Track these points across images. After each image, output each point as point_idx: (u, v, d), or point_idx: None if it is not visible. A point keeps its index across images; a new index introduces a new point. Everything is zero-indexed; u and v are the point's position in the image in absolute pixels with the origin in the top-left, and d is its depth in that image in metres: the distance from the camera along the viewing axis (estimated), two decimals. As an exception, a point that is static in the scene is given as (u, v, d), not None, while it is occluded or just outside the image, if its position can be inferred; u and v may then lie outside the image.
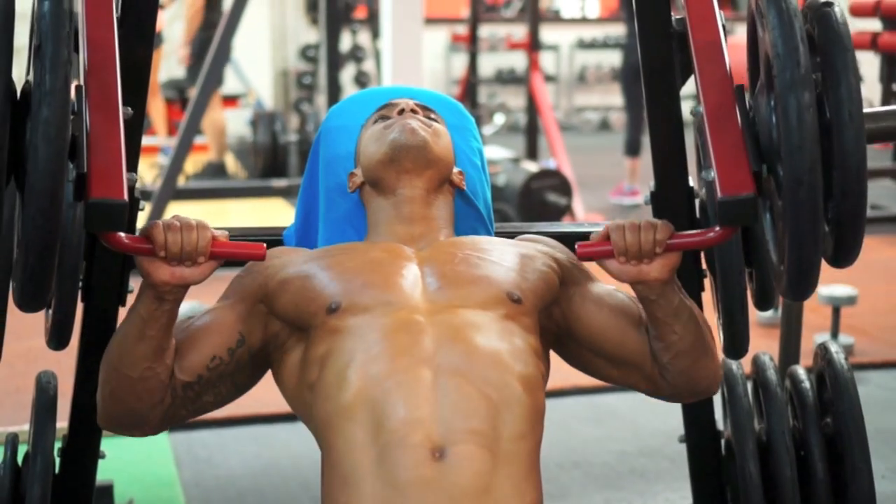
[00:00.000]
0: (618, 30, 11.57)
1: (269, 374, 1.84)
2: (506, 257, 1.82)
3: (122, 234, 1.57)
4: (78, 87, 1.54)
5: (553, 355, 1.87)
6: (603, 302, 1.82)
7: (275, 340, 1.79)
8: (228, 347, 1.76)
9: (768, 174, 1.59)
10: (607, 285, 1.87)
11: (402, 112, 1.95)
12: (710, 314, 2.15)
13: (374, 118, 2.01)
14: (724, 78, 1.67)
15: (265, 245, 1.64)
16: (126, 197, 1.49)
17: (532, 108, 7.75)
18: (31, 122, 1.43)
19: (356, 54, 10.39)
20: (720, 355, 1.88)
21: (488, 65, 11.81)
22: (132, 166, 2.06)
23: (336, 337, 1.71)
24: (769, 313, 4.19)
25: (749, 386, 2.25)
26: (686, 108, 1.89)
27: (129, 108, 1.62)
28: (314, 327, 1.74)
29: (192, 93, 7.19)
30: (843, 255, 1.60)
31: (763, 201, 1.68)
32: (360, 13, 10.17)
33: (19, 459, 2.05)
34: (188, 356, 1.74)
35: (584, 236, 2.23)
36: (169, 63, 8.24)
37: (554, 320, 1.83)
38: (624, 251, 1.66)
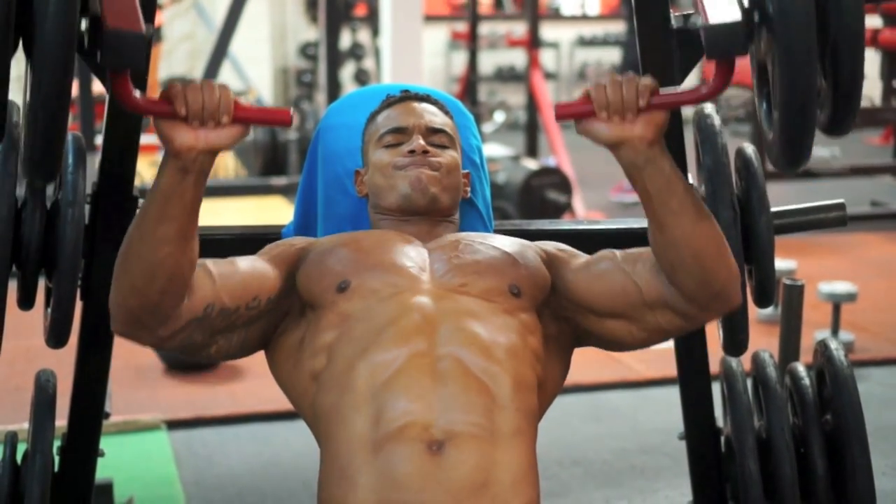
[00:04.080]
0: (618, 27, 11.59)
1: (268, 371, 1.84)
2: (506, 245, 1.82)
3: (139, 95, 1.49)
4: None
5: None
6: (587, 264, 1.80)
7: (287, 314, 1.78)
8: (269, 297, 1.73)
9: (760, 23, 1.54)
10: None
11: (412, 152, 1.88)
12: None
13: (383, 136, 1.93)
14: None
15: (291, 110, 1.55)
16: (143, 30, 1.41)
17: (532, 106, 7.75)
18: None
19: (356, 52, 10.40)
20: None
21: (488, 62, 11.81)
22: (131, 165, 2.06)
23: (344, 325, 1.71)
24: (769, 310, 4.19)
25: (749, 383, 2.25)
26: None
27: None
28: (323, 307, 1.73)
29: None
30: (840, 121, 1.52)
31: (760, 91, 1.66)
32: (360, 11, 10.18)
33: (18, 458, 2.05)
34: (233, 285, 1.68)
35: (585, 234, 2.23)
36: (168, 61, 8.23)
37: (563, 314, 1.80)
38: (605, 105, 1.55)
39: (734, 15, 1.49)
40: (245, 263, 1.74)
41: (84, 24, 1.46)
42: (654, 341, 1.77)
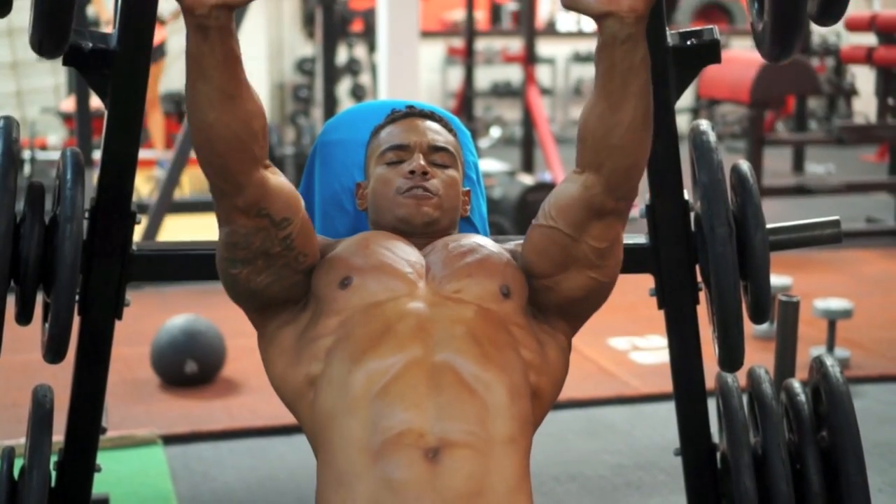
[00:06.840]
0: (614, 43, 11.57)
1: (267, 386, 1.85)
2: (489, 244, 1.85)
3: None
4: None
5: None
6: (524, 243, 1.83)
7: (296, 303, 1.80)
8: (313, 262, 1.79)
9: None
10: None
11: (412, 172, 1.89)
12: (706, 327, 2.16)
13: (385, 153, 1.95)
14: None
15: None
16: None
17: (528, 121, 7.77)
18: None
19: (352, 67, 10.41)
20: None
21: (484, 78, 11.82)
22: (129, 181, 2.07)
23: (341, 331, 1.72)
24: (764, 326, 4.20)
25: (744, 399, 2.25)
26: (681, 121, 1.90)
27: None
28: (324, 301, 1.76)
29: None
30: (830, 8, 1.45)
31: None
32: (357, 27, 10.19)
33: (15, 473, 2.04)
34: (304, 226, 1.74)
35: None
36: (167, 75, 8.24)
37: (537, 300, 1.81)
38: None
39: None
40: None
41: None
42: (612, 267, 1.78)
